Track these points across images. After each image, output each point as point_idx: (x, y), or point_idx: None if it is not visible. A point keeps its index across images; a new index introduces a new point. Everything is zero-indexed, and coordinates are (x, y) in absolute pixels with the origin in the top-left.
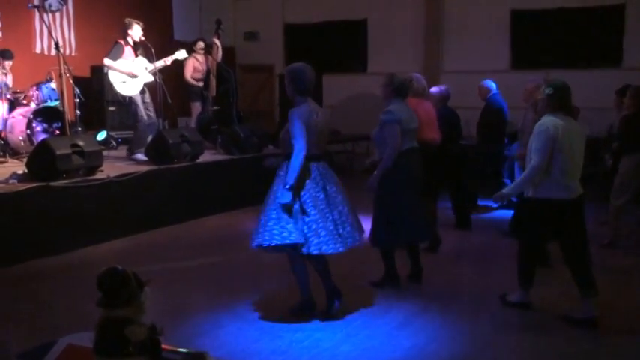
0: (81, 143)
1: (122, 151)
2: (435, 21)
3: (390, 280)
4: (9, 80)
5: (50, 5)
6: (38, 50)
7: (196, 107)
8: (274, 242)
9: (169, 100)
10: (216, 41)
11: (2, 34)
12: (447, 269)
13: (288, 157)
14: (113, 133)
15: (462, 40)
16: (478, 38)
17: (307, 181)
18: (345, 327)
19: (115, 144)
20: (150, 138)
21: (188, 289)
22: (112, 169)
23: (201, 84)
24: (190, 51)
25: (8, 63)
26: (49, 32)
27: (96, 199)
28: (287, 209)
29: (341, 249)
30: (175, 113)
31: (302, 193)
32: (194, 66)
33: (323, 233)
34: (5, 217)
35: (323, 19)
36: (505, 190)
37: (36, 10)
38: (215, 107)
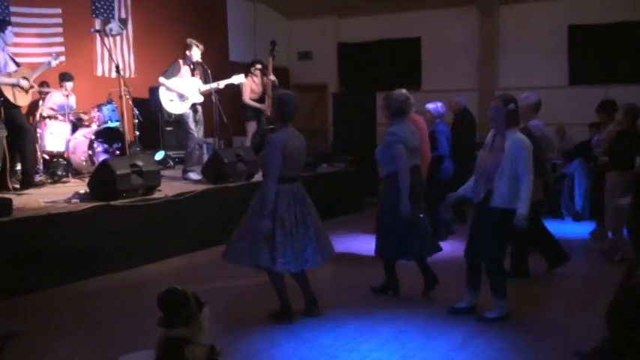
0: (140, 163)
1: (179, 170)
2: (490, 37)
3: (390, 288)
4: (72, 101)
5: (111, 29)
6: (99, 73)
7: (252, 126)
8: (246, 263)
9: (225, 119)
10: (271, 64)
11: (66, 59)
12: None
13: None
14: (170, 153)
15: (518, 57)
16: (535, 54)
17: (279, 204)
18: (401, 348)
19: (172, 163)
20: (198, 155)
21: (245, 308)
22: (169, 188)
23: (257, 104)
24: (247, 72)
25: (69, 84)
26: (110, 55)
27: (154, 218)
28: (266, 236)
29: (304, 267)
30: (231, 132)
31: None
32: (251, 87)
33: (288, 253)
34: (68, 235)
35: (377, 38)
36: (524, 211)
37: (97, 34)
38: (270, 126)
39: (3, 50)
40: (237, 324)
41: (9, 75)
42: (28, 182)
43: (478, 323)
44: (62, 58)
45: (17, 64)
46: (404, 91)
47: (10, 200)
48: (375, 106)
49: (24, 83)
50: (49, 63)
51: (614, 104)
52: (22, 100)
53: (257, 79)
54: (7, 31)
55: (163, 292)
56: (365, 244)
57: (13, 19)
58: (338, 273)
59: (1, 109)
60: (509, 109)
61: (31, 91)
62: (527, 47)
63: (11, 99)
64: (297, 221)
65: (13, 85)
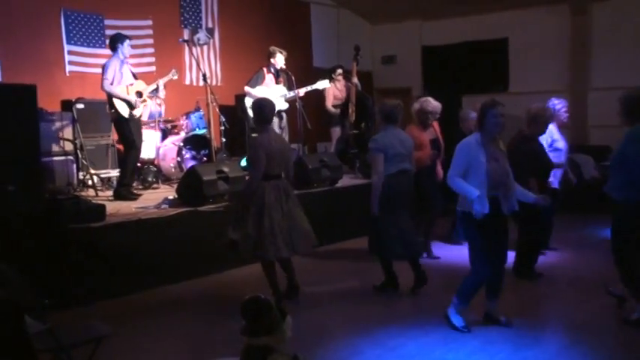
0: (226, 169)
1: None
2: (582, 36)
3: (389, 286)
4: (162, 110)
5: (199, 39)
6: (187, 82)
7: (336, 132)
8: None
9: (309, 125)
10: (355, 69)
11: (156, 68)
12: (566, 297)
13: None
14: None
15: (611, 55)
16: (630, 52)
17: (266, 198)
18: (490, 358)
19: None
20: None
21: (326, 315)
22: None
23: (339, 110)
24: (330, 78)
25: (162, 94)
26: (198, 64)
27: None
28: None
29: (277, 255)
30: (315, 138)
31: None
32: (334, 94)
33: (266, 241)
34: (158, 240)
35: (461, 40)
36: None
37: (185, 44)
38: (354, 131)
39: (123, 63)
40: (319, 332)
41: (125, 89)
42: (120, 193)
43: (570, 333)
44: (176, 76)
45: (135, 77)
46: (398, 100)
47: (103, 206)
48: (460, 110)
49: (136, 102)
50: (161, 81)
51: None
52: (132, 114)
53: (339, 85)
54: (124, 45)
55: (247, 301)
56: (448, 251)
57: (107, 31)
58: (431, 280)
59: (113, 121)
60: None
61: (142, 105)
62: (621, 45)
63: (122, 111)
64: (283, 213)
65: (124, 100)
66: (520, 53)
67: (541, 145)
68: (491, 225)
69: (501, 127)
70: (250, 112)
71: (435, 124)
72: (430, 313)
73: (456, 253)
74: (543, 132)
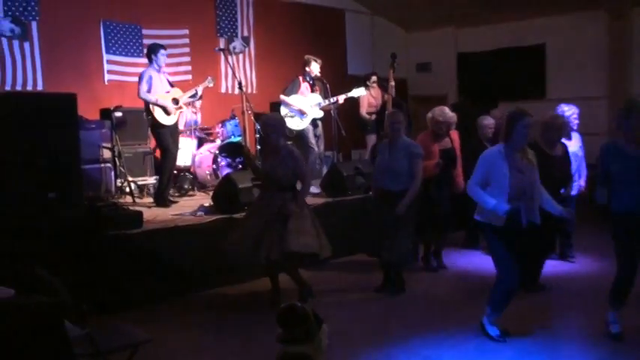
0: None
1: (298, 184)
2: (621, 41)
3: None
4: (198, 118)
5: (234, 48)
6: (223, 90)
7: (371, 139)
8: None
9: (344, 132)
10: (391, 77)
11: (192, 77)
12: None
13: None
14: None
15: None
16: None
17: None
18: None
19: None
20: (318, 169)
21: (360, 324)
22: None
23: (375, 117)
24: (365, 85)
25: (198, 103)
26: (233, 73)
27: None
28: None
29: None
30: (349, 146)
31: None
32: (369, 101)
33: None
34: (194, 247)
35: (497, 46)
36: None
37: (221, 53)
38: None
39: (159, 72)
40: (353, 340)
41: (162, 96)
42: (157, 198)
43: (612, 345)
44: (212, 83)
45: (172, 85)
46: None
47: (140, 213)
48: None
49: (171, 107)
50: (199, 88)
51: None
52: (168, 120)
53: (374, 92)
54: (159, 55)
55: (283, 309)
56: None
57: (145, 41)
58: (456, 289)
59: (150, 127)
60: None
61: (179, 111)
62: None
63: (158, 118)
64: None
65: (162, 106)
66: (558, 59)
67: (562, 154)
68: (510, 235)
69: (528, 138)
70: (286, 120)
71: (454, 134)
72: (462, 321)
73: (473, 260)
74: (558, 139)
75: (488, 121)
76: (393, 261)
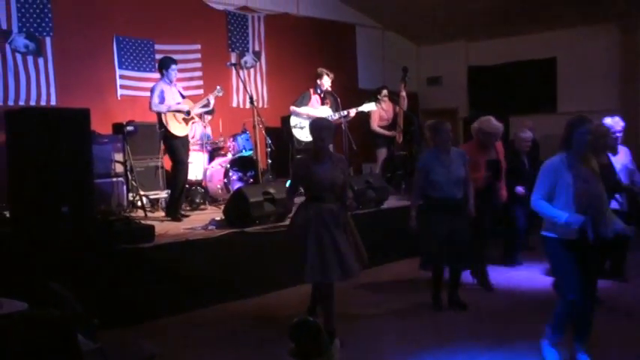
0: (272, 191)
1: None
2: (632, 55)
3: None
4: (208, 131)
5: (246, 62)
6: (234, 104)
7: (382, 153)
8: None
9: (354, 146)
10: (403, 90)
11: (204, 91)
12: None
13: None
14: None
15: None
16: None
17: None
18: None
19: (302, 190)
20: None
21: (375, 338)
22: None
23: (386, 131)
24: (375, 99)
25: (208, 117)
26: (244, 87)
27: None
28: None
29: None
30: (360, 160)
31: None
32: (380, 114)
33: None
34: (205, 261)
35: (508, 60)
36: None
37: (233, 67)
38: (402, 152)
39: (170, 85)
40: (366, 354)
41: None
42: (169, 212)
43: None
44: (221, 93)
45: (183, 97)
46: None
47: (152, 227)
48: (509, 130)
49: (185, 107)
50: (211, 97)
51: None
52: (181, 131)
53: (385, 105)
54: (170, 69)
55: (295, 323)
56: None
57: (157, 56)
58: (513, 304)
59: (162, 139)
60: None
61: (190, 122)
62: None
63: (171, 130)
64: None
65: (175, 112)
66: (568, 73)
67: (607, 164)
68: (578, 249)
69: (590, 145)
70: (295, 131)
71: (499, 145)
72: (513, 337)
73: (512, 276)
74: (605, 148)
75: (526, 135)
76: (466, 267)
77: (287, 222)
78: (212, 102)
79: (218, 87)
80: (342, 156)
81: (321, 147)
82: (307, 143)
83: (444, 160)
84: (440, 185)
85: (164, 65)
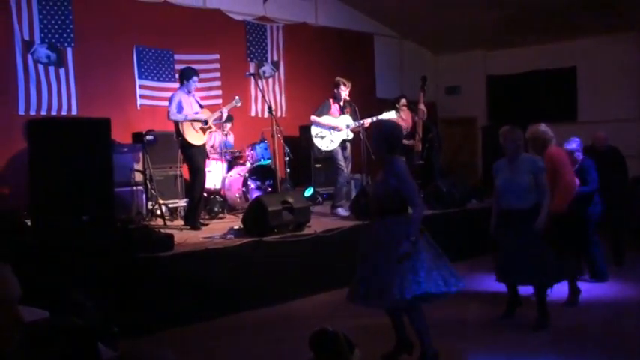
0: (290, 200)
1: (327, 206)
2: None
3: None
4: (230, 139)
5: (264, 72)
6: (253, 114)
7: None
8: (439, 290)
9: (373, 156)
10: (421, 99)
11: (223, 101)
12: None
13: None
14: (319, 189)
15: None
16: None
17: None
18: None
19: (320, 200)
20: (346, 191)
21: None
22: (318, 224)
23: (406, 141)
24: (394, 108)
25: (228, 125)
26: (263, 96)
27: (304, 254)
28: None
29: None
30: (378, 169)
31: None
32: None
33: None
34: (223, 269)
35: (527, 69)
36: None
37: (252, 77)
38: (420, 162)
39: (189, 94)
40: None
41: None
42: (188, 221)
43: None
44: (239, 103)
45: (201, 106)
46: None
47: (171, 236)
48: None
49: (202, 117)
50: (224, 109)
51: None
52: (197, 140)
53: (404, 114)
54: (191, 81)
55: (315, 333)
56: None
57: (177, 66)
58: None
59: (180, 148)
60: None
61: (207, 132)
62: None
63: (188, 139)
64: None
65: (192, 122)
66: (589, 82)
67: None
68: None
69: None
70: (316, 141)
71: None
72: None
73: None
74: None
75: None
76: (542, 282)
77: (305, 231)
78: (225, 114)
79: (236, 97)
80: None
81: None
82: (327, 152)
83: (506, 168)
84: (496, 195)
85: (186, 76)
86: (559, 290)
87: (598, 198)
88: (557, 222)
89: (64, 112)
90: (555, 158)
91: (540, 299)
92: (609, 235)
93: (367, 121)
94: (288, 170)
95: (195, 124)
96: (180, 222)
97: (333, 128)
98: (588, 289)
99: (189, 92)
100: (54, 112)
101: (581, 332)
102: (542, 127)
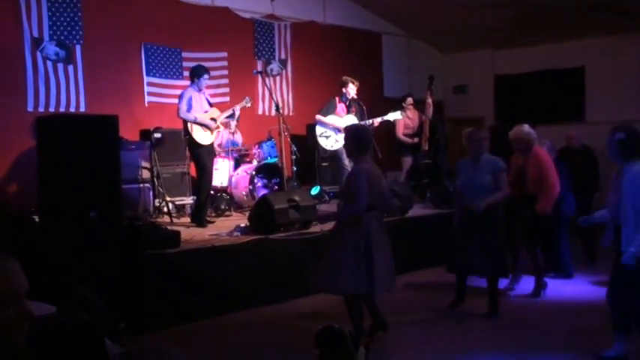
0: (297, 198)
1: (333, 204)
2: None
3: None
4: (238, 137)
5: (272, 70)
6: (260, 112)
7: (407, 161)
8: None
9: (379, 155)
10: (429, 99)
11: (230, 99)
12: None
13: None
14: (326, 188)
15: None
16: None
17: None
18: None
19: (327, 198)
20: None
21: (400, 346)
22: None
23: (411, 139)
24: (400, 107)
25: (234, 123)
26: (270, 94)
27: (310, 252)
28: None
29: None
30: (385, 168)
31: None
32: (405, 123)
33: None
34: (229, 267)
35: (536, 69)
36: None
37: (259, 75)
38: (426, 161)
39: (199, 92)
40: None
41: (200, 115)
42: (194, 218)
43: None
44: (249, 103)
45: (210, 105)
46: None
47: (178, 233)
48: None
49: (211, 124)
50: (237, 107)
51: None
52: (205, 139)
53: (411, 114)
54: (202, 79)
55: (320, 330)
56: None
57: (185, 63)
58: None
59: (187, 146)
60: (617, 139)
61: (215, 131)
62: None
63: (196, 137)
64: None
65: (201, 124)
66: (597, 82)
67: None
68: None
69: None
70: (320, 140)
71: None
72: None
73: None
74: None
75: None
76: (487, 274)
77: (312, 229)
78: (237, 113)
79: (247, 97)
80: None
81: None
82: (332, 152)
83: (469, 167)
84: (458, 193)
85: (196, 73)
86: (525, 284)
87: (571, 197)
88: (541, 222)
89: (72, 109)
90: (541, 160)
91: (491, 290)
92: (581, 233)
93: (377, 121)
94: (294, 168)
95: (206, 120)
96: (186, 219)
97: (337, 129)
98: (555, 285)
99: (199, 90)
100: (62, 109)
101: (526, 322)
102: (526, 128)
